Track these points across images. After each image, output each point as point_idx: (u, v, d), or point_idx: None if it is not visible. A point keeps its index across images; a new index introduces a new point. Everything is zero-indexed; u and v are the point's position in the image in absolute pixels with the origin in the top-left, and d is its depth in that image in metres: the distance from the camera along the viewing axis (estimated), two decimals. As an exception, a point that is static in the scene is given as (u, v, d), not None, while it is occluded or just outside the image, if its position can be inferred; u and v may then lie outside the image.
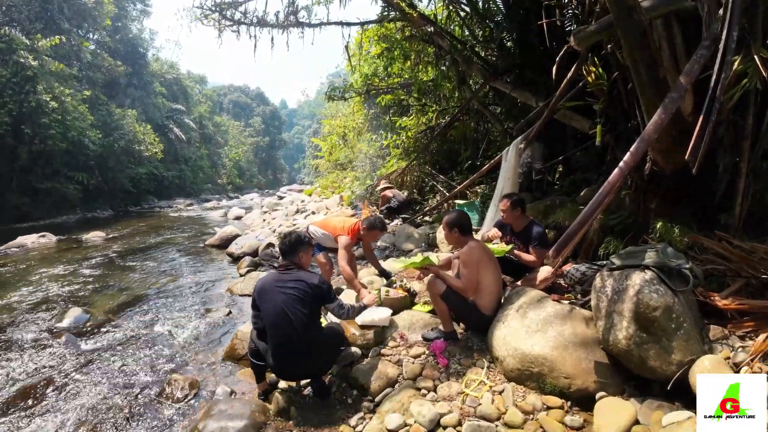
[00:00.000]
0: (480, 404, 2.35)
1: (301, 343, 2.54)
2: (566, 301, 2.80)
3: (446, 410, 2.27)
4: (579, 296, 3.51)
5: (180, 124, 31.60)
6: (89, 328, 4.76)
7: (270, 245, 7.85)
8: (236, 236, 9.44)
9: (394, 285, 4.03)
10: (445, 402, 2.39)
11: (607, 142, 4.06)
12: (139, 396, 3.40)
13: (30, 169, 15.84)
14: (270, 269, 6.63)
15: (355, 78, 9.81)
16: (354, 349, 3.10)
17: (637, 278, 2.30)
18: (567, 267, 3.77)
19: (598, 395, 2.29)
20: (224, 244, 9.24)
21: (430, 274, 3.02)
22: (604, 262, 3.67)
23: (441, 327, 3.07)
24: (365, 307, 3.07)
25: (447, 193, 8.14)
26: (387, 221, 8.12)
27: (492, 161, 5.54)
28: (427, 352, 2.92)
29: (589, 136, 4.82)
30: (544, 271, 3.44)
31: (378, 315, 3.28)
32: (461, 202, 6.40)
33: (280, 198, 19.70)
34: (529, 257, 3.52)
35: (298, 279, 2.63)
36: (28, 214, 15.43)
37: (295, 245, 2.79)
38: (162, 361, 3.97)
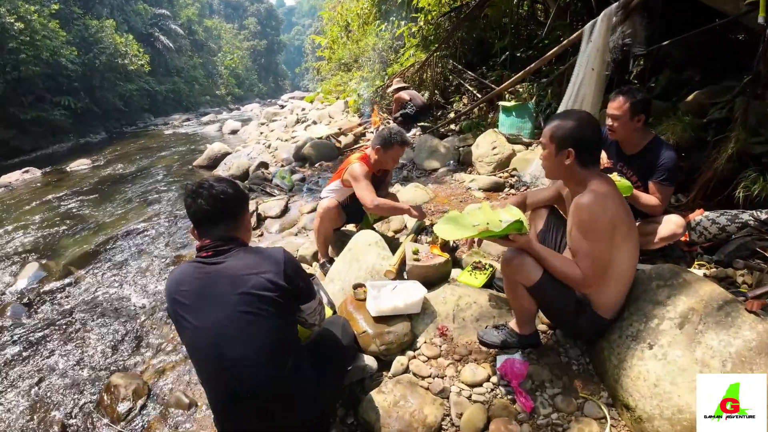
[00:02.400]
0: None
1: (266, 397, 1.31)
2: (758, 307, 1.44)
3: None
4: (712, 266, 2.23)
5: (166, 31, 28.73)
6: (41, 293, 3.88)
7: (262, 165, 6.55)
8: (226, 154, 8.14)
9: (426, 236, 2.73)
10: None
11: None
12: (74, 409, 2.53)
13: (11, 99, 14.32)
14: (262, 195, 5.38)
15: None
16: (367, 359, 1.89)
17: None
18: (695, 215, 2.40)
19: None
20: (213, 164, 8.14)
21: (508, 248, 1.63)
22: (763, 215, 2.28)
23: (513, 325, 1.81)
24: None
25: (478, 95, 6.40)
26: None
27: (563, 43, 3.78)
28: (494, 379, 1.69)
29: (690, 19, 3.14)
30: (672, 224, 2.11)
31: (404, 298, 2.01)
32: (508, 104, 4.74)
33: (282, 107, 17.80)
34: (650, 200, 2.12)
35: (242, 272, 1.30)
36: (19, 148, 14.26)
37: (230, 205, 1.39)
38: (111, 343, 3.10)
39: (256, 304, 1.27)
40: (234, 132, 13.66)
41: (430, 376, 1.75)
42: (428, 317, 2.04)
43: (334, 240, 3.18)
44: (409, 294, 2.04)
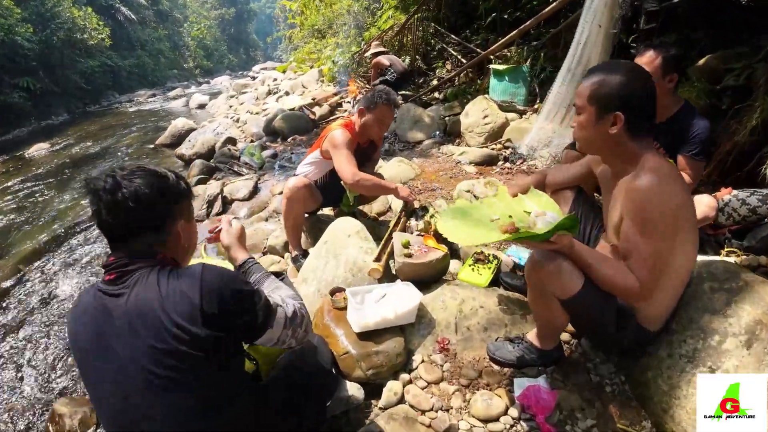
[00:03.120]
0: None
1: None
2: None
3: None
4: (742, 253, 1.96)
5: (128, 2, 26.89)
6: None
7: (229, 141, 6.02)
8: (191, 131, 7.52)
9: (417, 222, 2.34)
10: None
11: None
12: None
13: (-34, 85, 13.12)
14: (230, 174, 4.90)
15: None
16: (350, 387, 1.52)
17: None
18: (723, 194, 2.09)
19: None
20: (177, 141, 7.52)
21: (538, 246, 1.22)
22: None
23: (532, 337, 1.45)
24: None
25: (462, 60, 5.91)
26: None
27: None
28: (513, 411, 1.35)
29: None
30: (703, 206, 1.81)
31: (394, 307, 1.62)
32: (500, 67, 4.29)
33: (253, 78, 16.86)
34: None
35: (147, 312, 0.86)
36: (-20, 137, 13.11)
37: (144, 215, 0.94)
38: (58, 359, 2.68)
39: (168, 363, 0.85)
40: (202, 106, 12.87)
41: (431, 409, 1.39)
42: (425, 328, 1.67)
43: (308, 227, 2.76)
44: (401, 301, 1.65)
